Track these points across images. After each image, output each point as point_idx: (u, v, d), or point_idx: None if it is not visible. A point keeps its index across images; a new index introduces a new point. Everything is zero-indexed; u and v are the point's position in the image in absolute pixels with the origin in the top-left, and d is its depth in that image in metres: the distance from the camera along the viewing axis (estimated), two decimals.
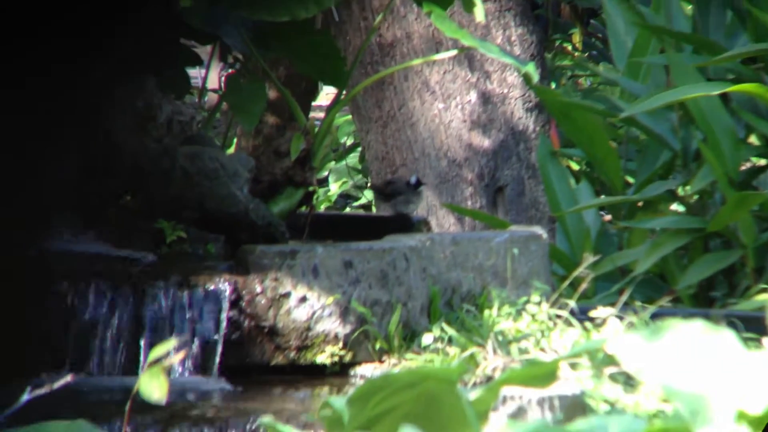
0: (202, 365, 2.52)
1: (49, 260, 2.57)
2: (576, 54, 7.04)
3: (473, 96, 4.56)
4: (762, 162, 4.22)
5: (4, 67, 2.65)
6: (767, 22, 4.07)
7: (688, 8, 4.70)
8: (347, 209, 6.69)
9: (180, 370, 2.50)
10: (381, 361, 2.63)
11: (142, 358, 2.47)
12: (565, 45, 7.14)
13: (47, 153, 2.74)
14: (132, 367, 2.48)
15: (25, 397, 1.58)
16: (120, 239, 2.75)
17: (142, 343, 2.49)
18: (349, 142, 6.92)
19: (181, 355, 2.20)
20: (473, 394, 1.40)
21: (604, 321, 2.66)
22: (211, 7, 3.03)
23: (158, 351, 1.46)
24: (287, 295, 2.60)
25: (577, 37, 7.14)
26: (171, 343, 1.56)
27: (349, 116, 6.10)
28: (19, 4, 2.53)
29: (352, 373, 2.62)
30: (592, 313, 2.67)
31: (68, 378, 1.57)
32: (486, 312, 2.67)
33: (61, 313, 2.48)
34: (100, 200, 2.80)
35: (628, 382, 2.40)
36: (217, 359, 2.51)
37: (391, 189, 3.27)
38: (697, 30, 4.25)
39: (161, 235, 2.77)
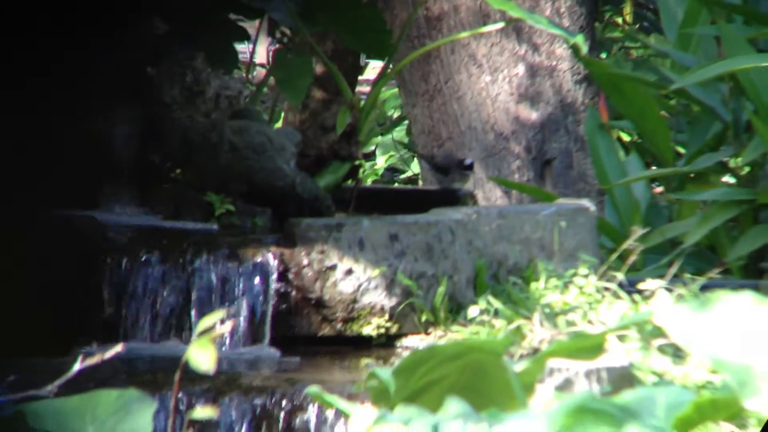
0: (251, 336, 2.55)
1: (101, 231, 2.61)
2: (626, 26, 6.95)
3: (521, 69, 4.53)
4: None
5: (53, 41, 2.68)
6: None
7: None
8: (394, 183, 6.70)
9: (229, 341, 2.53)
10: (427, 333, 2.64)
11: (192, 329, 2.51)
12: (615, 17, 7.05)
13: (100, 125, 2.77)
14: (183, 339, 2.52)
15: (77, 366, 1.62)
16: (170, 212, 2.78)
17: (192, 314, 2.52)
18: (396, 115, 6.91)
19: (229, 325, 2.23)
20: (519, 366, 1.41)
21: (652, 293, 2.64)
22: None
23: (207, 322, 1.49)
24: (333, 267, 2.61)
25: (627, 9, 7.05)
26: (220, 314, 1.59)
27: (396, 90, 6.09)
28: None
29: (398, 344, 2.63)
30: (641, 286, 2.65)
31: (119, 348, 1.59)
32: (532, 285, 2.67)
33: (113, 284, 2.52)
34: (151, 173, 2.84)
35: (677, 353, 2.38)
36: (268, 330, 2.53)
37: (440, 161, 3.27)
38: (747, 1, 4.18)
39: (210, 208, 2.80)
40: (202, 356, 1.48)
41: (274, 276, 2.57)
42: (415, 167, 6.57)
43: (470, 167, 3.21)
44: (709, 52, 4.24)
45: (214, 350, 1.51)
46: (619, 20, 7.06)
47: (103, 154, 2.77)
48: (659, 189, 4.55)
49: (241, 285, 2.55)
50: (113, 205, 2.80)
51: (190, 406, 2.20)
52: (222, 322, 1.47)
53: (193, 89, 2.89)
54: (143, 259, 2.54)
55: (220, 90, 2.93)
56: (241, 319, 2.54)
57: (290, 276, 2.60)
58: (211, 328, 1.50)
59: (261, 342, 2.54)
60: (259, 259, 2.58)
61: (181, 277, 2.54)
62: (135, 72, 2.90)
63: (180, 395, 2.18)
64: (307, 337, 2.61)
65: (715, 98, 4.08)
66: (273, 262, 2.57)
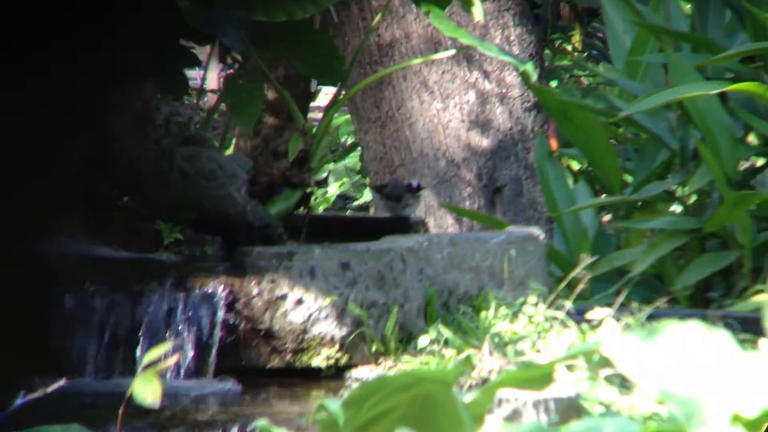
0: (197, 368, 2.52)
1: (48, 262, 2.57)
2: (575, 54, 7.03)
3: (472, 96, 4.56)
4: (760, 161, 4.22)
5: (4, 67, 2.65)
6: (766, 21, 4.07)
7: (687, 7, 4.70)
8: (346, 210, 6.69)
9: (175, 373, 2.50)
10: (377, 364, 2.63)
11: (137, 360, 2.47)
12: (564, 45, 7.13)
13: (47, 153, 2.73)
14: (128, 370, 2.48)
15: (19, 400, 1.58)
16: (119, 241, 2.75)
17: (138, 346, 2.49)
18: (349, 142, 6.92)
19: (175, 358, 2.20)
20: (469, 397, 1.40)
21: (600, 322, 2.65)
22: (209, 8, 3.03)
23: (152, 354, 1.46)
24: (284, 297, 2.59)
25: (576, 37, 7.14)
26: (166, 346, 1.56)
27: (348, 116, 6.10)
28: (18, 6, 2.53)
29: (348, 375, 2.62)
30: (589, 315, 2.67)
31: (62, 381, 1.56)
32: (483, 313, 2.67)
33: (58, 315, 2.48)
34: (99, 201, 2.80)
35: (624, 384, 2.40)
36: (213, 362, 2.50)
37: (389, 190, 3.27)
38: (695, 29, 4.25)
39: (159, 237, 2.77)
40: (147, 390, 1.46)
41: (222, 306, 2.54)
42: (367, 194, 6.58)
43: (418, 188, 3.22)
44: (657, 80, 4.30)
45: (159, 383, 1.49)
46: (569, 48, 7.14)
47: (49, 182, 2.73)
48: (608, 217, 4.59)
49: (188, 316, 2.52)
50: (60, 234, 2.76)
51: None
52: (168, 354, 1.45)
53: (143, 116, 2.87)
54: (90, 290, 2.50)
55: (170, 116, 2.91)
56: (188, 350, 2.51)
57: (239, 306, 2.58)
58: (157, 361, 1.48)
59: (208, 374, 2.51)
60: (207, 289, 2.55)
61: (128, 308, 2.50)
62: (85, 97, 2.87)
63: (125, 430, 2.15)
64: (256, 368, 2.59)
65: (662, 126, 4.13)
66: (221, 292, 2.55)
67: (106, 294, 2.50)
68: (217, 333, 2.52)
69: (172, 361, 1.53)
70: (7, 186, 2.66)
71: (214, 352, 2.51)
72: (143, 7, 2.94)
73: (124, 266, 2.62)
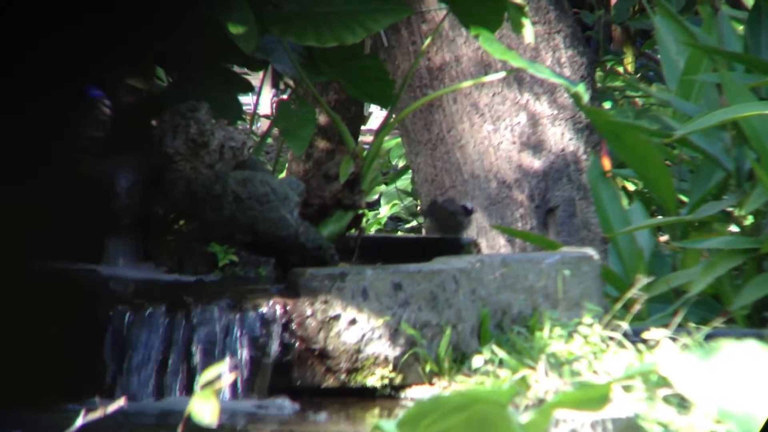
0: (253, 388, 2.53)
1: (104, 284, 2.60)
2: (627, 76, 7.00)
3: (523, 118, 4.55)
4: None
5: (65, 93, 2.70)
6: None
7: (740, 28, 4.66)
8: (398, 232, 6.70)
9: (231, 392, 2.51)
10: (431, 384, 2.62)
11: (195, 381, 2.49)
12: (616, 66, 7.10)
13: (103, 176, 2.78)
14: (185, 391, 2.50)
15: (80, 421, 1.60)
16: (174, 264, 2.78)
17: (195, 366, 2.51)
18: (400, 164, 6.93)
19: (232, 376, 2.21)
20: (525, 417, 1.39)
21: (657, 343, 2.62)
22: (262, 34, 3.07)
23: (209, 374, 1.48)
24: (337, 317, 2.61)
25: (628, 59, 7.10)
26: (222, 365, 1.58)
27: (399, 139, 6.12)
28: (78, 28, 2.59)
29: (402, 395, 2.61)
30: (645, 335, 2.64)
31: (121, 402, 1.58)
32: (537, 334, 2.65)
33: (116, 337, 2.51)
34: (154, 224, 2.84)
35: (682, 404, 2.37)
36: (268, 381, 2.52)
37: (440, 213, 3.28)
38: (748, 50, 4.21)
39: (214, 259, 2.80)
40: (204, 409, 1.47)
41: (278, 326, 2.56)
42: (419, 217, 6.58)
43: (471, 211, 3.22)
44: (711, 100, 4.26)
45: (217, 403, 1.50)
46: (621, 69, 7.11)
47: (105, 204, 2.78)
48: (665, 237, 4.55)
49: (243, 335, 2.54)
50: (116, 257, 2.80)
51: None
52: (224, 373, 1.46)
53: (197, 140, 2.91)
54: (146, 312, 2.54)
55: (224, 141, 2.94)
56: (244, 370, 2.52)
57: (293, 326, 2.59)
58: (214, 381, 1.50)
59: (263, 393, 2.52)
60: (262, 310, 2.57)
61: (184, 328, 2.53)
62: (138, 122, 2.92)
63: None
64: (311, 388, 2.60)
65: (717, 147, 4.09)
66: (276, 312, 2.57)
67: (162, 315, 2.53)
68: (273, 352, 2.53)
69: (229, 380, 1.54)
70: (63, 210, 2.71)
71: (269, 371, 2.52)
72: (198, 34, 2.99)
73: (180, 288, 2.65)
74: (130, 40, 2.73)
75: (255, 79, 3.48)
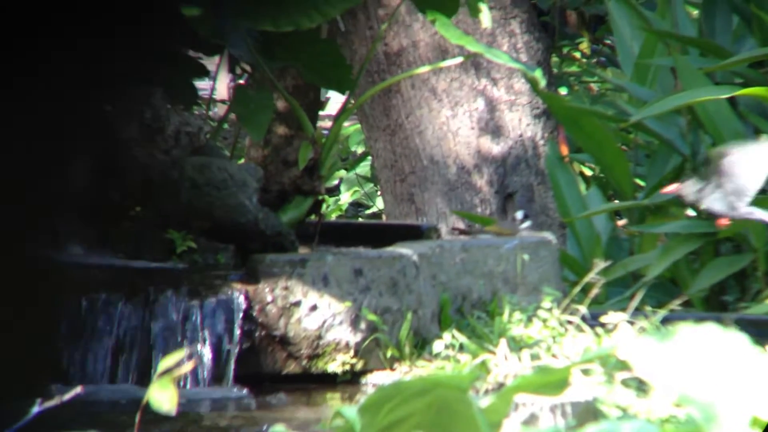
0: (214, 375, 2.52)
1: (60, 272, 2.57)
2: (584, 61, 7.03)
3: (480, 103, 4.56)
4: None
5: (9, 71, 2.65)
6: None
7: (694, 13, 4.70)
8: (358, 218, 6.69)
9: (192, 380, 2.50)
10: (392, 369, 2.62)
11: (153, 369, 2.47)
12: (573, 52, 7.13)
13: (55, 161, 2.74)
14: (144, 379, 2.48)
15: (35, 409, 1.58)
16: (131, 250, 2.75)
17: (153, 353, 2.49)
18: (360, 150, 6.92)
19: (191, 365, 2.20)
20: (485, 402, 1.40)
21: (615, 326, 2.65)
22: (218, 18, 3.04)
23: (168, 361, 1.46)
24: (298, 303, 2.60)
25: (584, 44, 7.14)
26: (181, 353, 1.56)
27: (359, 125, 6.10)
28: (21, 12, 2.54)
29: (363, 381, 2.61)
30: (604, 319, 2.66)
31: (78, 389, 1.57)
32: (497, 318, 2.67)
33: (73, 324, 2.48)
34: (111, 211, 2.81)
35: (641, 387, 2.39)
36: (231, 369, 2.50)
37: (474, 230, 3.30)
38: (703, 34, 4.24)
39: (172, 246, 2.77)
40: (163, 397, 1.46)
41: (239, 313, 2.54)
42: (379, 202, 6.58)
43: (525, 218, 3.20)
44: (666, 85, 4.30)
45: (176, 390, 1.49)
46: (577, 55, 7.14)
47: (58, 191, 2.74)
48: (623, 221, 4.59)
49: (203, 323, 2.52)
50: (72, 243, 2.76)
51: None
52: (184, 361, 1.44)
53: (153, 126, 2.87)
54: (103, 298, 2.51)
55: (180, 127, 2.91)
56: (204, 357, 2.51)
57: (254, 313, 2.58)
58: (173, 368, 1.48)
59: (225, 381, 2.51)
60: (222, 297, 2.55)
61: (142, 316, 2.51)
62: (95, 106, 2.88)
63: None
64: (272, 374, 2.59)
65: (673, 131, 4.13)
66: (237, 299, 2.55)
67: (120, 302, 2.51)
68: (234, 340, 2.52)
69: (188, 368, 1.53)
70: (15, 195, 2.67)
71: (231, 359, 2.51)
72: (150, 16, 2.95)
73: (137, 275, 2.62)
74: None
75: (210, 63, 3.45)
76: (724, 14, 4.26)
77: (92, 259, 2.71)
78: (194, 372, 2.48)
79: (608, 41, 7.05)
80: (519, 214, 3.22)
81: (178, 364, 1.52)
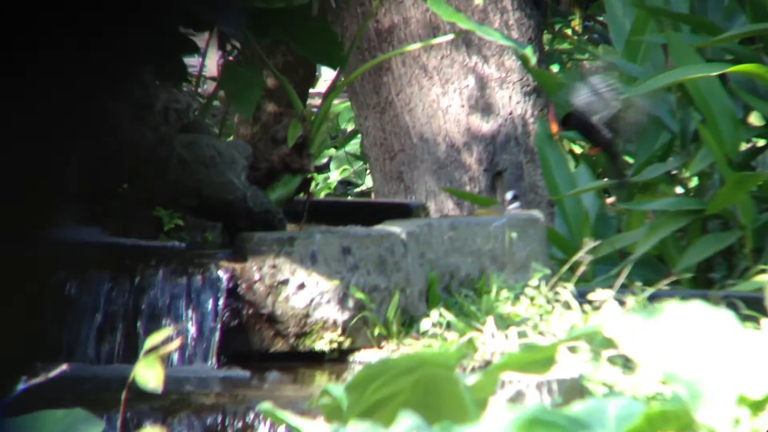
0: (202, 353, 2.52)
1: (47, 248, 2.56)
2: (575, 38, 7.01)
3: (471, 81, 4.54)
4: (761, 142, 4.21)
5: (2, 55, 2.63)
6: (765, 3, 4.05)
7: None
8: (347, 196, 6.68)
9: (179, 358, 2.49)
10: (380, 347, 2.63)
11: (140, 347, 2.46)
12: (564, 29, 7.11)
13: (48, 142, 2.72)
14: (130, 356, 2.48)
15: (21, 386, 1.58)
16: (118, 228, 2.74)
17: (139, 331, 2.48)
18: (350, 128, 6.90)
19: (177, 343, 2.19)
20: (472, 379, 1.40)
21: (602, 304, 2.65)
22: None
23: (154, 339, 1.46)
24: (285, 281, 2.59)
25: (576, 21, 7.12)
26: (168, 331, 1.56)
27: (349, 103, 6.08)
28: None
29: (351, 359, 2.61)
30: (591, 296, 2.66)
31: (64, 367, 1.56)
32: (484, 296, 2.67)
33: (59, 301, 2.48)
34: (99, 188, 2.79)
35: (627, 364, 2.39)
36: (216, 347, 2.50)
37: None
38: (694, 11, 4.23)
39: (159, 224, 2.76)
40: (149, 375, 1.46)
41: (225, 291, 2.54)
42: (368, 181, 6.57)
43: (514, 198, 3.20)
44: (657, 62, 4.29)
45: (162, 368, 1.48)
46: (569, 32, 7.12)
47: (47, 167, 2.72)
48: (611, 199, 4.59)
49: (190, 301, 2.52)
50: (59, 220, 2.75)
51: (139, 426, 2.17)
52: (170, 339, 1.44)
53: (141, 102, 2.86)
54: (90, 276, 2.50)
55: (168, 104, 2.90)
56: (191, 335, 2.51)
57: (241, 291, 2.58)
58: (159, 346, 1.48)
59: (212, 359, 2.51)
60: (209, 274, 2.55)
61: (129, 294, 2.50)
62: (85, 84, 2.86)
63: (128, 415, 2.15)
64: (260, 352, 2.59)
65: (662, 108, 4.12)
66: (223, 278, 2.55)
67: (107, 280, 2.50)
68: (221, 318, 2.52)
69: (174, 345, 1.53)
70: (2, 172, 2.65)
71: (217, 336, 2.51)
72: None
73: (124, 252, 2.62)
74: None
75: (200, 40, 3.43)
76: None
77: (80, 237, 2.70)
78: (181, 350, 2.48)
79: (600, 18, 7.03)
80: (509, 195, 3.23)
81: (165, 342, 1.51)
